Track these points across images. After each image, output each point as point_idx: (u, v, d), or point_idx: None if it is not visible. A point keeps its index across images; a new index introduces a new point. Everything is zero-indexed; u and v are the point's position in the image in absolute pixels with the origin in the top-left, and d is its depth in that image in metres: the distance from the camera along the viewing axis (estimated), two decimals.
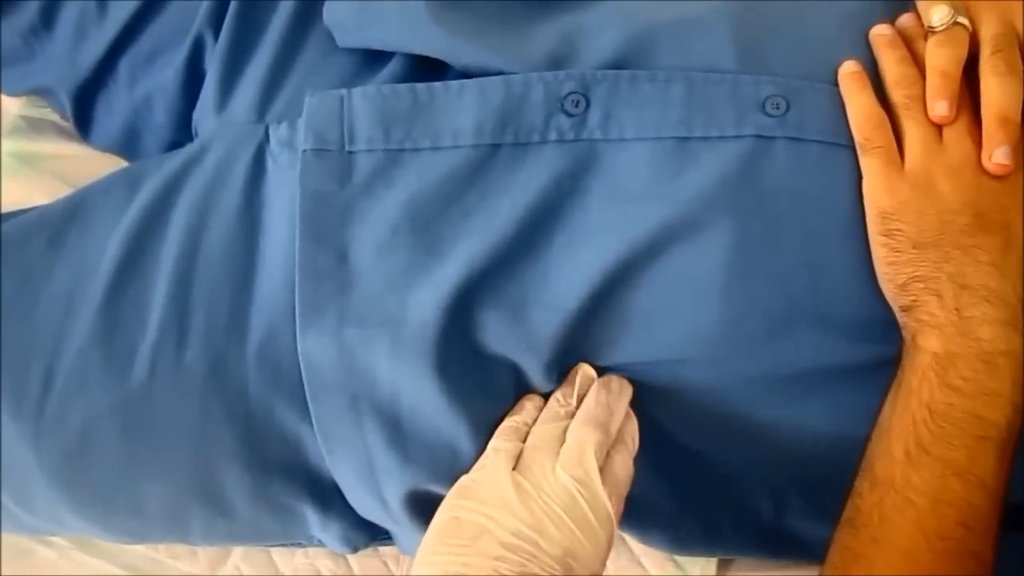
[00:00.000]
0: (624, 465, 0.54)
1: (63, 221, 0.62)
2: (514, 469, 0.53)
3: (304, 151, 0.57)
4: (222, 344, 0.57)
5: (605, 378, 0.56)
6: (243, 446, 0.57)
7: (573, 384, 0.56)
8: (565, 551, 0.50)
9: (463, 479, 0.54)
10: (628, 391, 0.56)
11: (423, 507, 0.57)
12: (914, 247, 0.51)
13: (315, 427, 0.57)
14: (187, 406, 0.57)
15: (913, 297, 0.51)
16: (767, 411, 0.56)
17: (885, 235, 0.52)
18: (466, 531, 0.50)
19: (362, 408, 0.56)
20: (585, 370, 0.56)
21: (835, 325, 0.54)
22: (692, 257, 0.53)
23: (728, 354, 0.54)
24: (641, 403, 0.57)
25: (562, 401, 0.56)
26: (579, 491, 0.51)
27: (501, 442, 0.54)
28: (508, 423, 0.56)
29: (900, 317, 0.53)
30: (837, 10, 0.59)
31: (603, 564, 0.52)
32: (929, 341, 0.51)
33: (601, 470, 0.52)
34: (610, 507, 0.52)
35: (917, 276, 0.51)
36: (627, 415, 0.56)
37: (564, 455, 0.52)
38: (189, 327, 0.57)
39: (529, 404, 0.57)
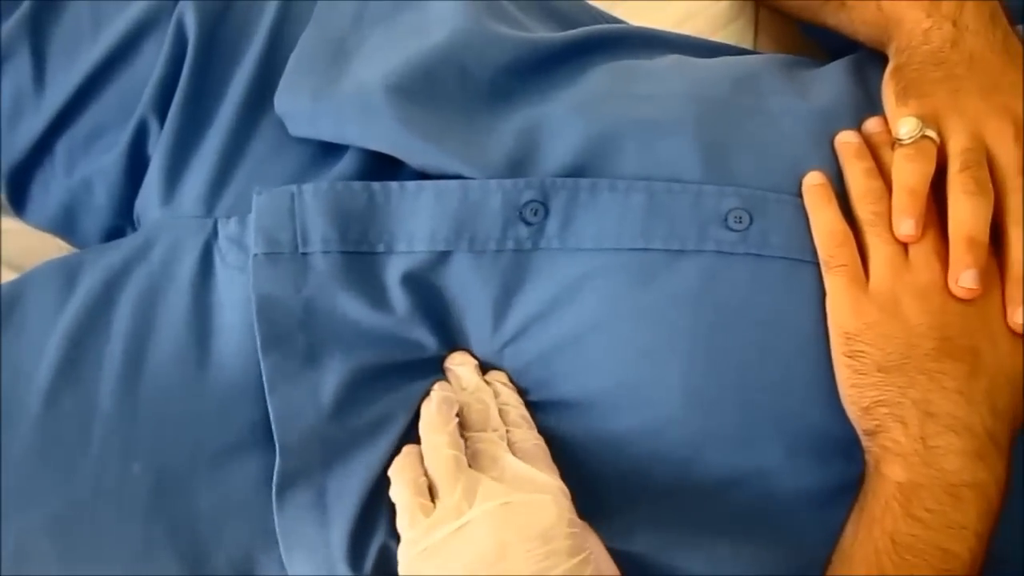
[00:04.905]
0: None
1: None
2: None
3: (255, 255, 0.55)
4: (170, 459, 0.55)
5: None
6: (188, 568, 0.55)
7: None
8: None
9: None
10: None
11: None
12: (878, 370, 0.50)
13: (278, 528, 0.54)
14: (130, 526, 0.54)
15: (877, 422, 0.51)
16: (728, 537, 0.55)
17: (849, 356, 0.51)
18: None
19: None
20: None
21: (799, 445, 0.53)
22: (647, 378, 0.53)
23: (688, 477, 0.53)
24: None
25: None
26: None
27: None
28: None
29: (864, 440, 0.52)
30: (804, 110, 0.58)
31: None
32: (893, 470, 0.50)
33: None
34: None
35: (881, 400, 0.50)
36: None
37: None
38: (135, 441, 0.55)
39: None
